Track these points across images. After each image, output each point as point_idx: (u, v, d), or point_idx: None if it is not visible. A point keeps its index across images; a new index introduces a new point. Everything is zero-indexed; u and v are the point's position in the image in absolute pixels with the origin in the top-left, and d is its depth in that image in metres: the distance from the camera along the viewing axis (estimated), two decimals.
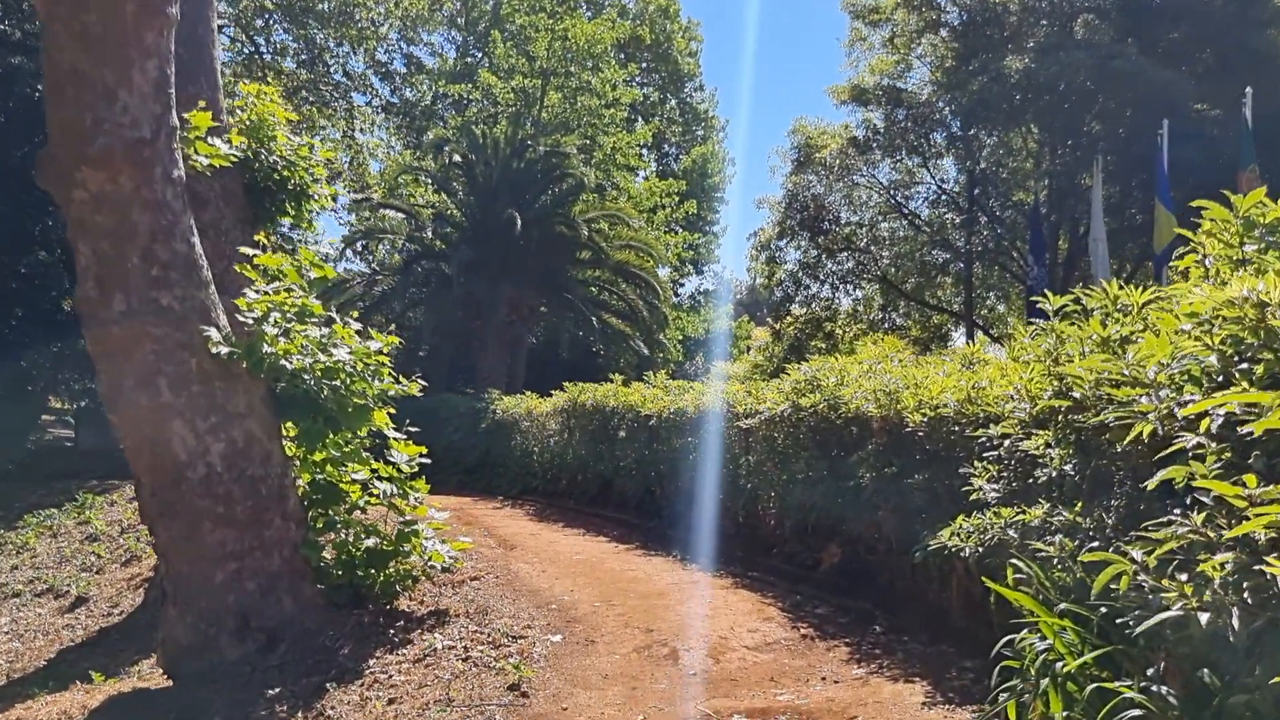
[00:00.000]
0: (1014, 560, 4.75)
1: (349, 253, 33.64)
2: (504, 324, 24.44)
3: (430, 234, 24.61)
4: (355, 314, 24.49)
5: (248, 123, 11.92)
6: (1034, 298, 7.04)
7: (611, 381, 14.96)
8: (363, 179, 35.02)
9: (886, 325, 28.77)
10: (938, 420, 6.93)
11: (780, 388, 10.14)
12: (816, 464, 9.27)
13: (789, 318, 29.54)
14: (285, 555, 7.41)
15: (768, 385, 10.86)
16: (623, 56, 39.12)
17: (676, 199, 31.86)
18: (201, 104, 8.38)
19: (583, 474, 15.51)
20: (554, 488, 16.50)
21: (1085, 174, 21.47)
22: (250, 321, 7.41)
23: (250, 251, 8.19)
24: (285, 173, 12.67)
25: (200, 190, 11.20)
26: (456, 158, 24.50)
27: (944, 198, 27.96)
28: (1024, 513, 5.00)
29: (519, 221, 22.55)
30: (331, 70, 36.92)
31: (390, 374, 8.45)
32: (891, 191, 28.59)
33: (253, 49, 36.20)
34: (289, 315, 7.73)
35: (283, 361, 7.41)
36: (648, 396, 13.57)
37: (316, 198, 13.21)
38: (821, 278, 28.72)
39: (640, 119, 36.12)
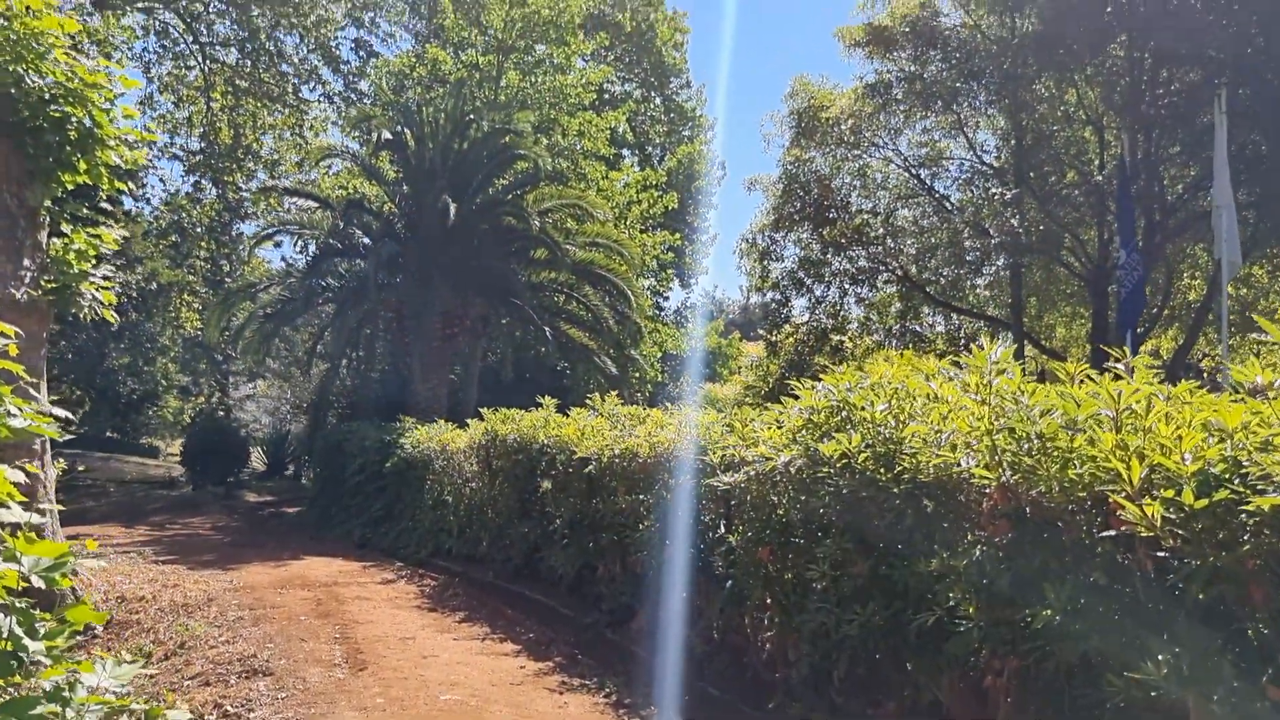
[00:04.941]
0: None
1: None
2: (440, 336, 20.11)
3: (343, 225, 20.29)
4: (252, 328, 20.45)
5: (10, 36, 8.12)
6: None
7: (573, 406, 10.55)
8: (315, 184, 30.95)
9: (908, 336, 24.26)
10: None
11: (784, 420, 5.90)
12: (851, 560, 5.05)
13: (787, 327, 24.85)
14: None
15: (761, 415, 6.59)
16: (601, 49, 35.10)
17: (655, 193, 27.52)
18: None
19: (505, 535, 11.25)
20: (472, 551, 12.24)
21: (1203, 112, 16.67)
22: None
23: None
24: (65, 106, 8.62)
25: None
26: (386, 134, 20.21)
27: (984, 170, 22.88)
28: None
29: (453, 210, 18.22)
30: (276, 61, 32.97)
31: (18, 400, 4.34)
32: (915, 168, 23.78)
33: (191, 39, 32.31)
34: None
35: None
36: (586, 430, 9.29)
37: (112, 145, 9.15)
38: (826, 278, 23.79)
39: (612, 109, 31.82)
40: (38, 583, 4.22)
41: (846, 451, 4.88)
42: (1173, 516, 2.87)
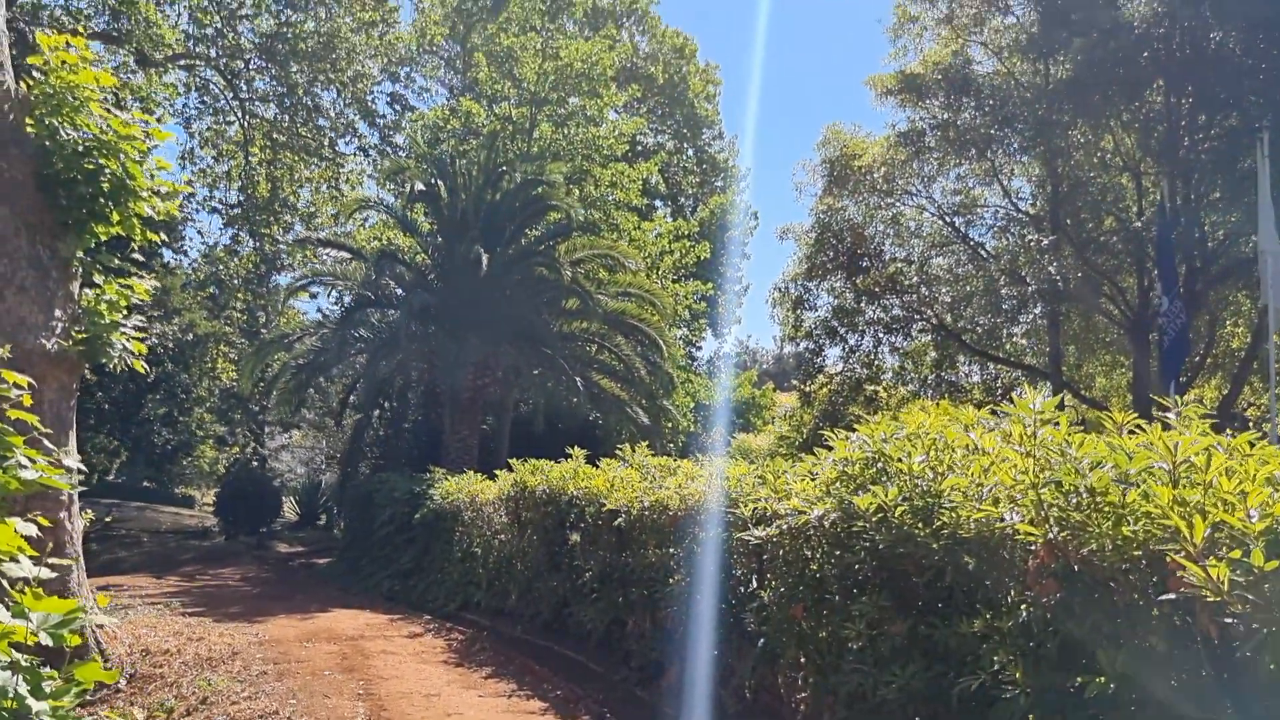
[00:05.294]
0: None
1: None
2: (471, 387, 20.05)
3: (375, 275, 20.37)
4: (285, 378, 20.46)
5: (47, 90, 8.20)
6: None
7: (605, 457, 10.36)
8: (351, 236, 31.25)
9: (943, 386, 23.84)
10: None
11: (817, 471, 5.71)
12: (889, 619, 4.81)
13: (821, 377, 24.52)
14: None
15: (794, 467, 6.39)
16: (634, 100, 35.35)
17: (688, 243, 27.45)
18: None
19: (534, 589, 11.05)
20: (500, 604, 12.03)
21: (1244, 156, 16.31)
22: None
23: None
24: (99, 159, 8.67)
25: None
26: (419, 185, 20.33)
27: (1019, 217, 22.50)
28: None
29: (485, 260, 18.24)
30: (313, 115, 33.47)
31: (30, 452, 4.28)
32: (949, 216, 23.48)
33: (231, 94, 32.90)
34: None
35: None
36: (616, 481, 9.11)
37: (145, 196, 9.20)
38: (860, 326, 23.49)
39: (644, 160, 31.92)
40: (46, 639, 4.12)
41: (883, 505, 4.67)
42: (1240, 579, 2.65)
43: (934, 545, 4.41)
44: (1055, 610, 3.60)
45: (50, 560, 4.46)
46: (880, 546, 4.75)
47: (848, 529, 5.08)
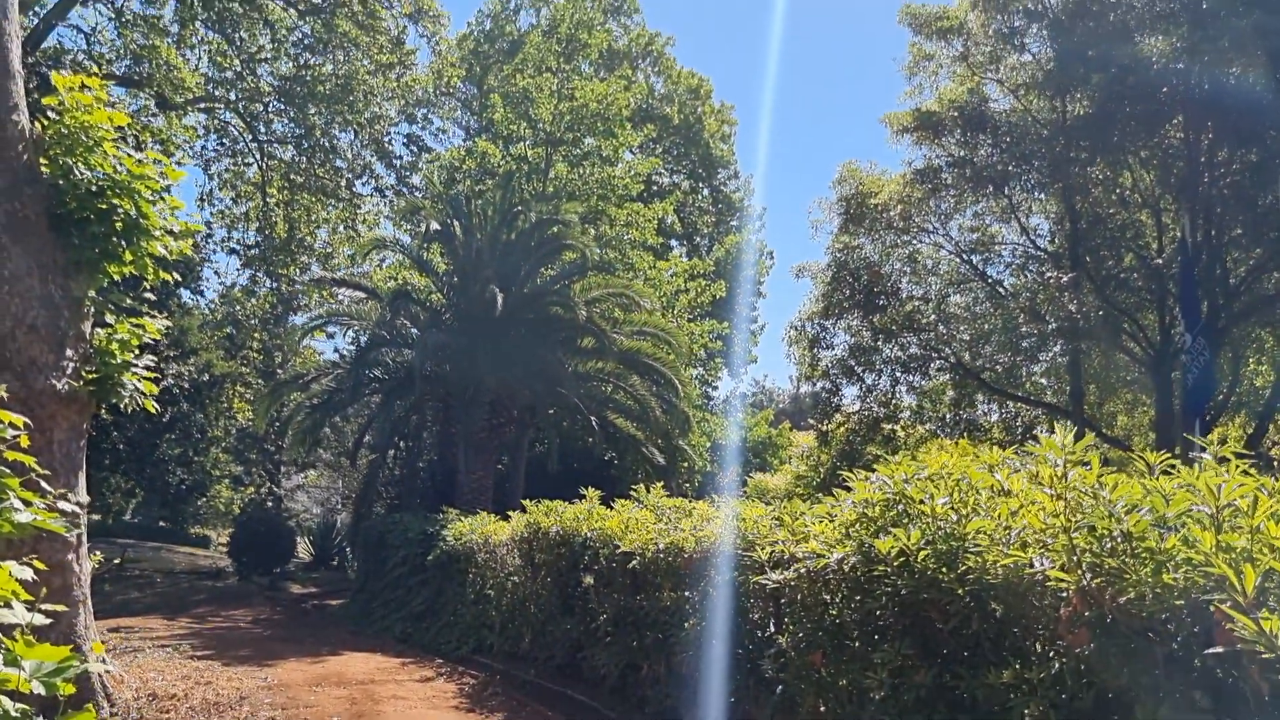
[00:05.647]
0: None
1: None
2: (486, 426, 19.92)
3: (390, 315, 20.32)
4: (300, 418, 20.38)
5: (62, 130, 8.23)
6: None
7: (620, 497, 10.20)
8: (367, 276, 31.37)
9: (962, 425, 23.55)
10: None
11: (835, 513, 5.54)
12: (912, 667, 4.63)
13: (838, 416, 24.27)
14: None
15: (812, 508, 6.23)
16: (649, 140, 35.47)
17: (703, 282, 27.39)
18: None
19: (548, 632, 10.85)
20: (513, 648, 11.82)
21: (1266, 191, 16.32)
22: None
23: None
24: (112, 198, 8.66)
25: None
26: (434, 225, 20.36)
27: (1038, 254, 22.30)
28: None
29: (500, 299, 18.19)
30: (331, 157, 33.77)
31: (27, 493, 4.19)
32: (966, 253, 23.27)
33: (250, 136, 33.27)
34: None
35: None
36: (630, 523, 8.95)
37: (158, 235, 9.17)
38: (878, 365, 23.12)
39: (660, 199, 31.95)
40: (39, 688, 3.98)
41: (904, 549, 4.51)
42: None
43: (959, 591, 4.24)
44: (1090, 661, 3.42)
45: (46, 606, 4.34)
46: (903, 592, 4.58)
47: (868, 573, 4.91)
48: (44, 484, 4.33)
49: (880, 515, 5.01)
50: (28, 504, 4.08)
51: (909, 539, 4.47)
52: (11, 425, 4.11)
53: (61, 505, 4.51)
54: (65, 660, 3.99)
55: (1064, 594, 3.58)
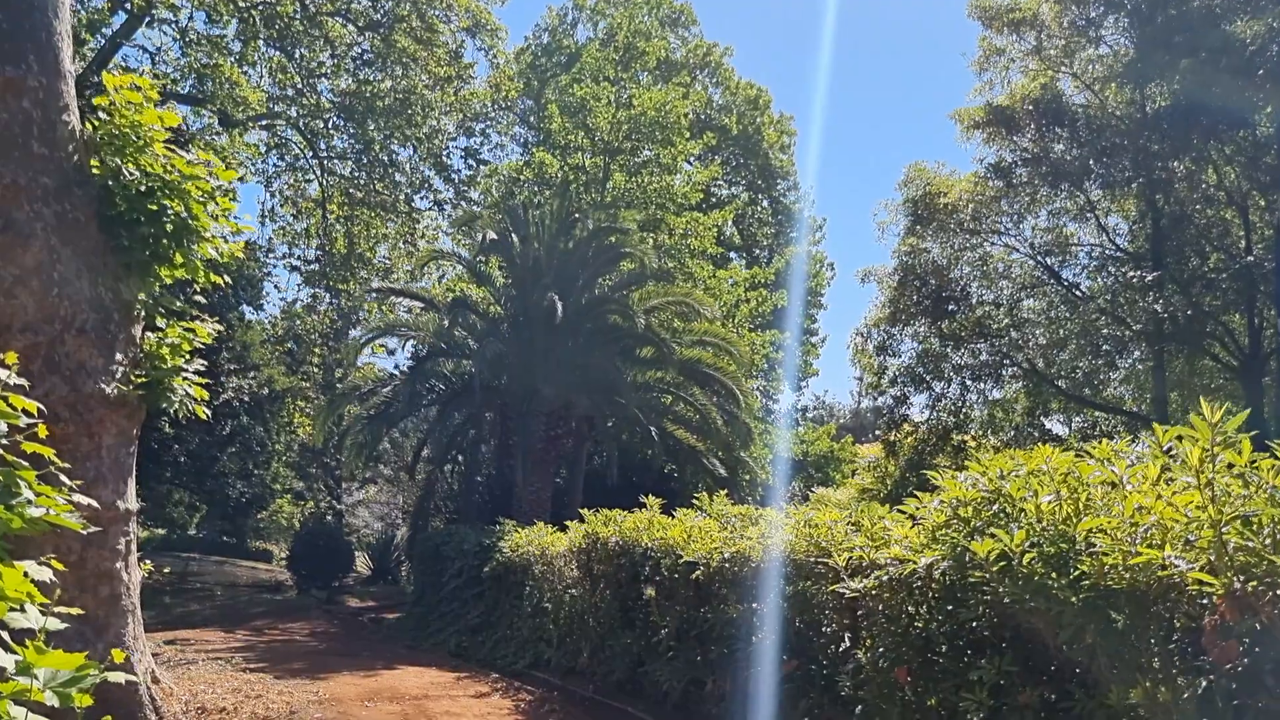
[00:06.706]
0: None
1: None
2: (544, 437, 19.61)
3: (448, 325, 20.12)
4: (357, 429, 20.22)
5: (112, 130, 8.07)
6: None
7: (678, 508, 9.70)
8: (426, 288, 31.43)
9: (1037, 434, 22.61)
10: None
11: (921, 515, 5.05)
12: (1018, 688, 4.13)
13: (906, 426, 23.49)
14: None
15: (893, 515, 5.73)
16: (708, 150, 35.07)
17: (764, 291, 26.87)
18: None
19: (607, 646, 10.43)
20: (572, 662, 11.41)
21: None
22: None
23: None
24: (162, 199, 8.51)
25: (18, 219, 7.49)
26: (491, 234, 20.16)
27: (1117, 255, 21.26)
28: None
29: (559, 307, 17.90)
30: (390, 171, 33.98)
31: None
32: (1040, 255, 22.40)
33: (311, 153, 33.59)
34: None
35: None
36: (694, 532, 8.51)
37: (209, 237, 8.99)
38: (947, 373, 22.44)
39: (720, 210, 31.53)
40: (51, 699, 3.64)
41: (1006, 551, 4.01)
42: None
43: (1072, 599, 3.73)
44: (1241, 680, 2.91)
45: (70, 610, 4.02)
46: (1004, 600, 4.08)
47: (962, 580, 4.43)
48: (63, 477, 4.04)
49: (975, 516, 4.52)
50: (37, 495, 3.77)
51: (1012, 541, 3.98)
52: (25, 412, 3.80)
53: (77, 499, 4.17)
54: (81, 669, 3.66)
55: (1204, 601, 3.07)
